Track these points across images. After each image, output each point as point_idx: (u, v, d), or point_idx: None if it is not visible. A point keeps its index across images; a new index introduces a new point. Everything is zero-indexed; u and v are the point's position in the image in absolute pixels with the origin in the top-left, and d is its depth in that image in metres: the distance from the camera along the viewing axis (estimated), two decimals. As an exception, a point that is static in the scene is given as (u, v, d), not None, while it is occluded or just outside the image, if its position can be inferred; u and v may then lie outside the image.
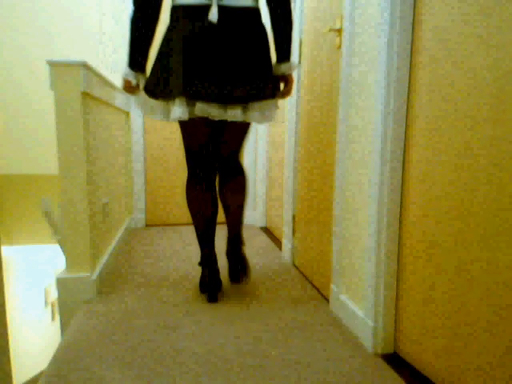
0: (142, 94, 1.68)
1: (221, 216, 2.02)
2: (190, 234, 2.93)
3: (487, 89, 0.94)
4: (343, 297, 1.60)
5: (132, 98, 1.75)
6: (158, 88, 1.58)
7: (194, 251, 2.50)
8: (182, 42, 1.51)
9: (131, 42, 1.62)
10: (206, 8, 1.50)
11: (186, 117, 1.53)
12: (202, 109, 1.53)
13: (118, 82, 2.98)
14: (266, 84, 1.60)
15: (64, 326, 1.73)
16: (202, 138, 1.70)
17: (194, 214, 1.80)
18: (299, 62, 2.17)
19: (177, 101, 1.52)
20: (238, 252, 1.90)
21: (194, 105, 1.54)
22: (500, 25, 0.91)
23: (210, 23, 1.50)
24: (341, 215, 1.60)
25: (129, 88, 1.68)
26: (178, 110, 1.52)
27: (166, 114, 1.62)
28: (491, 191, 0.94)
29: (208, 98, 1.52)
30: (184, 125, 1.69)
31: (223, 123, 1.71)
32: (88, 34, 2.95)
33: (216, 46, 1.51)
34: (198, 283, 1.96)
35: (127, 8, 2.94)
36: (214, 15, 1.49)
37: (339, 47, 1.65)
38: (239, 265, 1.87)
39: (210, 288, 1.77)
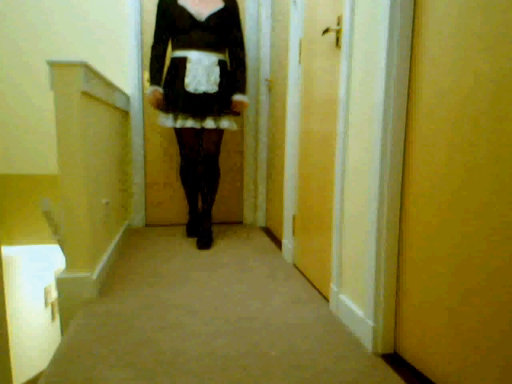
0: (161, 114, 2.58)
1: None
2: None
3: (487, 88, 0.94)
4: (343, 297, 1.60)
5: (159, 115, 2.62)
6: (169, 106, 2.51)
7: (194, 250, 2.50)
8: (183, 78, 2.46)
9: (151, 67, 2.53)
10: None
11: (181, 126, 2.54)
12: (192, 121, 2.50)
13: (118, 82, 2.99)
14: (227, 105, 2.55)
15: (64, 326, 1.73)
16: (190, 140, 2.63)
17: (185, 185, 2.79)
18: (299, 62, 2.17)
19: (179, 116, 2.50)
20: (206, 226, 2.70)
21: (185, 118, 2.50)
22: (498, 24, 0.91)
23: None
24: (341, 215, 1.61)
25: (157, 98, 2.49)
26: (183, 121, 2.50)
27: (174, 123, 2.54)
28: (491, 187, 0.94)
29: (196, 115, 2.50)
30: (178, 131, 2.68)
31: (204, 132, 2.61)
32: (88, 34, 2.94)
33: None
34: (196, 279, 1.97)
35: (127, 8, 2.94)
36: None
37: (338, 47, 1.65)
38: (206, 236, 2.65)
39: (191, 232, 2.87)
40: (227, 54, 2.62)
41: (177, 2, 2.45)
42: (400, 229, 1.31)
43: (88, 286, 1.75)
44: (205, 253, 2.47)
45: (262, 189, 3.22)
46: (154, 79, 2.53)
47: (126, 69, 3.02)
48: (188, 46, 2.46)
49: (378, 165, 1.30)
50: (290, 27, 2.26)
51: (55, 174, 3.03)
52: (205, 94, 2.45)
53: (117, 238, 2.48)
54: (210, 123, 2.49)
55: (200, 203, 2.94)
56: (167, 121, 2.53)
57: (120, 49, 3.00)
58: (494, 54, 0.92)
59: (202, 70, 2.43)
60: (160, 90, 2.50)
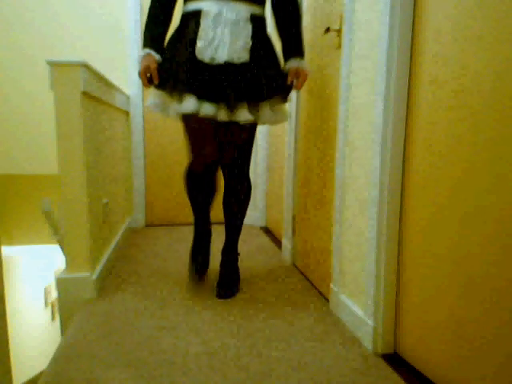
0: (154, 93, 1.70)
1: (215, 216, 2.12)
2: (189, 234, 2.93)
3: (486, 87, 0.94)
4: (343, 297, 1.59)
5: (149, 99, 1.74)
6: (170, 83, 1.61)
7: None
8: (193, 41, 1.57)
9: (146, 23, 1.68)
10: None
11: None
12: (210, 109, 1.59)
13: (119, 82, 2.99)
14: (272, 84, 1.65)
15: (64, 326, 1.73)
16: (199, 137, 1.69)
17: (190, 199, 1.88)
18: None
19: (187, 97, 1.57)
20: (232, 263, 1.91)
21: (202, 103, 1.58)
22: (497, 23, 0.91)
23: None
24: (340, 215, 1.60)
25: (148, 67, 1.61)
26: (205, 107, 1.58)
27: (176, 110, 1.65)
28: (492, 189, 0.94)
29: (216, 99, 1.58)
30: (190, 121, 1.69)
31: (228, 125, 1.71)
32: (88, 34, 2.95)
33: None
34: (197, 283, 1.96)
35: (127, 8, 2.94)
36: None
37: (339, 47, 1.65)
38: (229, 277, 1.87)
39: (197, 265, 1.90)
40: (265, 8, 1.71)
41: None
42: (400, 229, 1.31)
43: (88, 286, 1.75)
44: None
45: (261, 189, 3.22)
46: (146, 40, 1.68)
47: (126, 69, 3.02)
48: None
49: (379, 163, 1.30)
50: (290, 27, 2.26)
51: (55, 173, 3.03)
52: (227, 66, 1.56)
53: (117, 237, 2.48)
54: (243, 114, 1.62)
55: (209, 215, 1.98)
56: (168, 108, 1.69)
57: (120, 49, 3.00)
58: (493, 52, 0.92)
59: (223, 30, 1.56)
60: (155, 55, 1.64)
